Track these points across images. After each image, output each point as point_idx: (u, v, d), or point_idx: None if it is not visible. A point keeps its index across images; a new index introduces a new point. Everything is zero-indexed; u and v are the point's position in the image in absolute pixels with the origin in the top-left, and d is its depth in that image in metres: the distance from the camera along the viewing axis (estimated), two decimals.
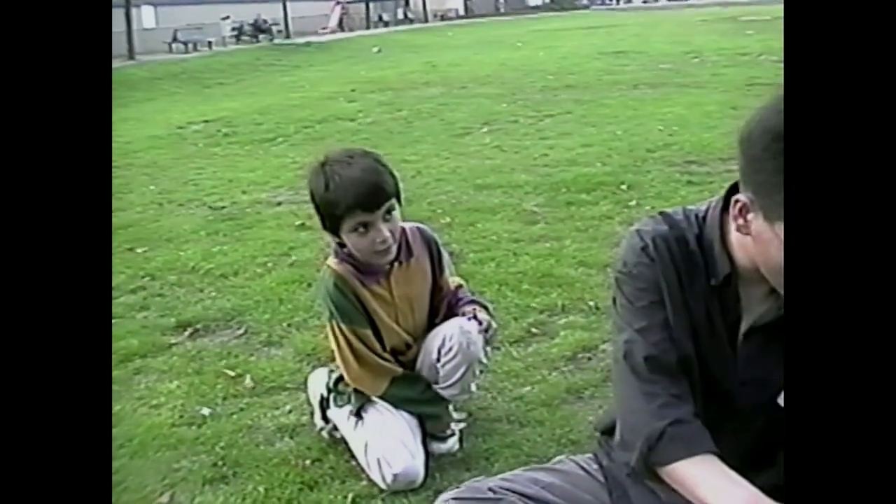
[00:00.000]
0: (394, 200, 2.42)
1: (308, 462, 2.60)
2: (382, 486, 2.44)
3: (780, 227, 1.30)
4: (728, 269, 1.47)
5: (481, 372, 2.72)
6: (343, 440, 2.65)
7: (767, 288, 1.45)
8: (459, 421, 2.71)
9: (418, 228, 2.66)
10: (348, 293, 2.50)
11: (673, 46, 18.00)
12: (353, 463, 2.57)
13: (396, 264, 2.55)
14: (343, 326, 2.50)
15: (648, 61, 15.25)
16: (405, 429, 2.54)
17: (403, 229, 2.55)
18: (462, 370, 2.58)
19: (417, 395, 2.60)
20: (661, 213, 1.56)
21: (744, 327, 1.52)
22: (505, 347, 3.29)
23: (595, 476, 1.73)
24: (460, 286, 2.72)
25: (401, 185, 2.48)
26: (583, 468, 1.75)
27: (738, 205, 1.38)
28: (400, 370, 2.58)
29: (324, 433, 2.71)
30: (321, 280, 2.58)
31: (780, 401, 1.36)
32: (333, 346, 2.57)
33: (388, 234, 2.41)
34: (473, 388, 2.73)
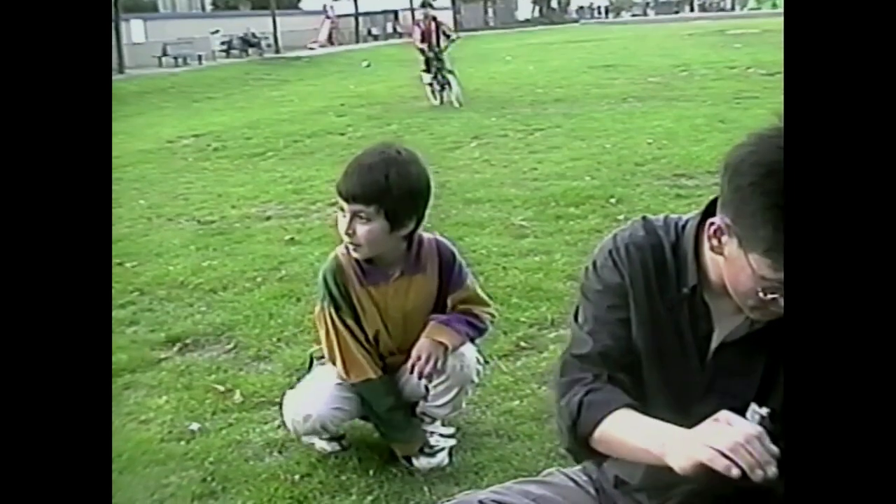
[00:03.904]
0: (372, 210, 2.33)
1: (297, 477, 2.60)
2: (290, 428, 2.64)
3: (754, 258, 1.32)
4: (695, 280, 1.48)
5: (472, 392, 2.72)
6: (332, 454, 2.66)
7: (737, 304, 1.45)
8: (450, 436, 2.70)
9: (437, 241, 2.59)
10: (340, 283, 2.51)
11: (661, 60, 18.11)
12: (343, 478, 2.56)
13: (399, 274, 2.50)
14: (331, 310, 2.51)
15: (637, 75, 15.34)
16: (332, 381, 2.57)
17: (420, 240, 2.51)
18: (454, 392, 2.59)
19: (381, 412, 2.58)
20: (643, 219, 1.57)
21: (715, 341, 1.51)
22: (494, 361, 3.29)
23: (585, 488, 1.73)
24: (472, 298, 2.61)
25: (415, 211, 2.40)
26: (573, 480, 1.75)
27: (713, 227, 1.39)
28: (374, 375, 2.53)
29: (315, 447, 2.71)
30: (325, 261, 2.59)
31: (748, 415, 1.35)
32: (320, 327, 2.58)
33: (351, 230, 2.37)
34: (463, 404, 2.74)
